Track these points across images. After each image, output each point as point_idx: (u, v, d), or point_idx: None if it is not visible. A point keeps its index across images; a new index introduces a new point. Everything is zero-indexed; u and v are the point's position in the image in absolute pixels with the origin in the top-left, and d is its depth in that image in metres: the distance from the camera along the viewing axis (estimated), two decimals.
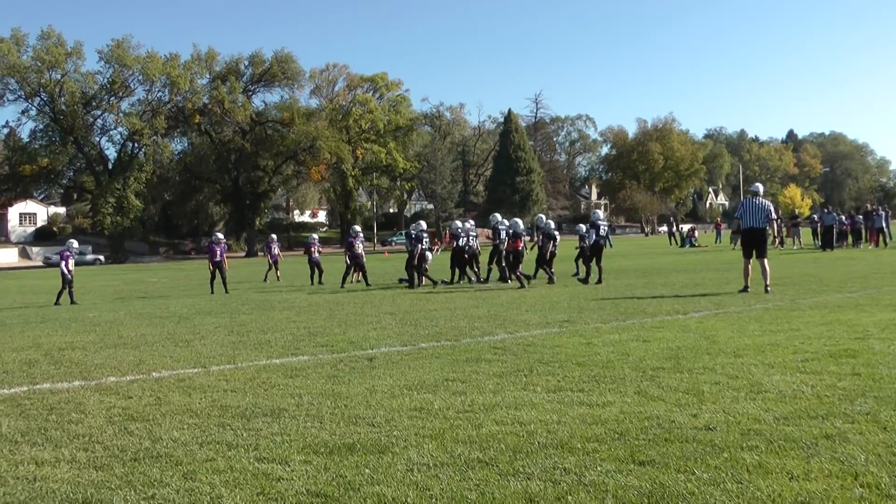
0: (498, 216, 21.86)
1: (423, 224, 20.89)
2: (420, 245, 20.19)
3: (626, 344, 8.95)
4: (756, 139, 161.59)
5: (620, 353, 8.31)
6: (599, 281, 18.64)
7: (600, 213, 20.06)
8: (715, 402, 5.94)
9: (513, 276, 19.34)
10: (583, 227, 23.74)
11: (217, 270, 22.02)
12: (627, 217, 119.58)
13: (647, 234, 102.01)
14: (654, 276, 21.26)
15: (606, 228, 19.54)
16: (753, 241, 14.77)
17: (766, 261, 14.79)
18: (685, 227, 58.26)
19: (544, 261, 19.65)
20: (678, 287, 16.86)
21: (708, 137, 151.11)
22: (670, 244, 48.02)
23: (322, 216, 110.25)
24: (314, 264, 25.21)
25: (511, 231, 19.78)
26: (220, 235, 23.07)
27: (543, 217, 23.46)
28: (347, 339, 10.48)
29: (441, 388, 6.93)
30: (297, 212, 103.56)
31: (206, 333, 11.83)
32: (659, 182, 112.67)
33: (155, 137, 72.35)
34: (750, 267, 14.75)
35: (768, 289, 14.42)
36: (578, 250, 21.51)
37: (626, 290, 16.53)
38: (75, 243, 21.69)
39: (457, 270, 20.96)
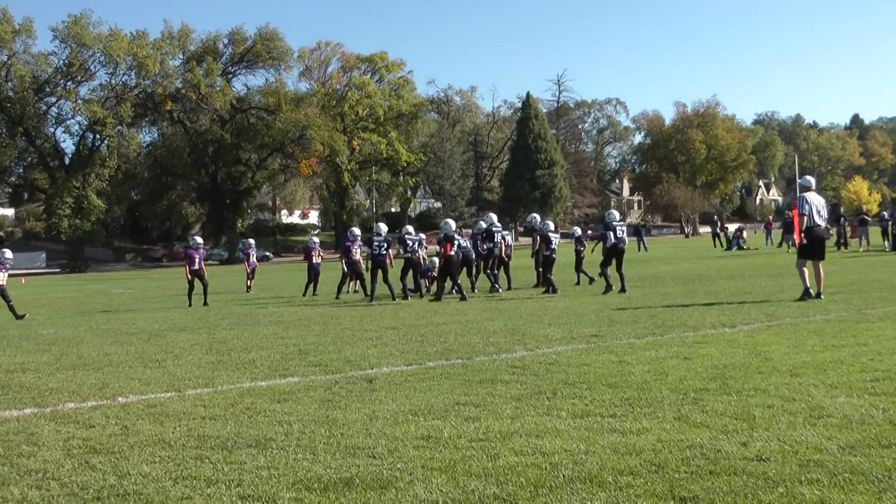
0: (493, 217, 22.50)
1: (452, 224, 20.99)
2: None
3: (665, 362, 8.92)
4: (814, 125, 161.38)
5: (658, 373, 8.28)
6: (623, 289, 18.64)
7: (616, 213, 20.11)
8: (768, 429, 5.92)
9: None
10: (577, 229, 24.28)
11: (196, 280, 22.10)
12: (665, 215, 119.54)
13: (687, 235, 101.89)
14: (695, 283, 21.20)
15: (624, 230, 19.53)
16: (820, 240, 14.79)
17: (822, 266, 14.87)
18: (732, 227, 58.14)
19: (542, 266, 20.48)
20: (724, 296, 16.81)
21: (758, 123, 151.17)
22: (714, 246, 47.93)
23: (314, 217, 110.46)
24: (314, 272, 25.22)
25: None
26: (199, 240, 23.20)
27: (538, 217, 23.62)
28: (344, 357, 10.49)
29: (451, 413, 6.93)
30: (284, 212, 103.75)
31: (180, 352, 11.86)
32: (701, 175, 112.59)
33: (120, 128, 72.54)
34: (806, 270, 14.79)
35: (822, 295, 14.55)
36: (578, 256, 22.78)
37: (664, 300, 16.48)
38: (8, 252, 21.18)
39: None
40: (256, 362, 10.44)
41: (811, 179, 15.59)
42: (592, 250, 25.62)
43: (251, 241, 30.34)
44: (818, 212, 14.81)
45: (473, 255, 20.97)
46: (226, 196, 79.57)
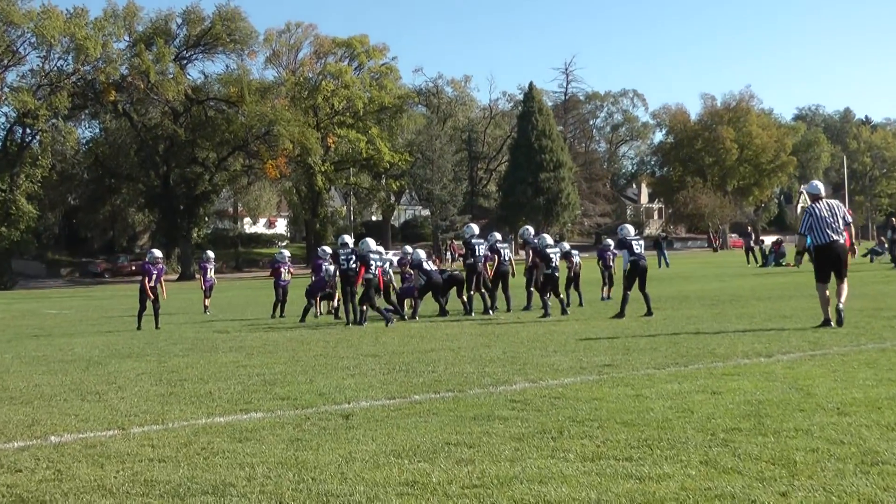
0: (474, 227, 23.43)
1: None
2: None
3: (689, 396, 8.93)
4: (867, 121, 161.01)
5: (681, 409, 8.29)
6: (649, 312, 18.77)
7: (630, 228, 20.22)
8: (812, 477, 5.92)
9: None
10: (566, 245, 24.64)
11: (147, 292, 22.14)
12: (689, 226, 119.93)
13: (716, 249, 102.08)
14: (725, 304, 21.26)
15: (642, 244, 19.72)
16: (832, 259, 14.81)
17: (846, 282, 14.97)
18: (768, 240, 58.32)
19: (537, 285, 21.38)
20: (759, 320, 16.85)
21: (799, 119, 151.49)
22: (748, 262, 48.11)
23: (281, 226, 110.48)
24: (283, 290, 25.72)
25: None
26: (158, 253, 23.25)
27: (531, 229, 24.06)
28: (316, 389, 10.49)
29: (441, 454, 6.92)
30: (247, 220, 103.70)
31: (124, 383, 11.83)
32: (732, 179, 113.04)
33: (54, 121, 72.26)
34: (828, 293, 14.80)
35: (842, 308, 14.64)
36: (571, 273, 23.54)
37: (689, 324, 16.52)
38: None
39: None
40: (214, 395, 10.42)
41: (819, 185, 15.63)
42: (602, 272, 25.75)
43: (210, 253, 30.32)
44: (828, 224, 14.79)
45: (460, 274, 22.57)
46: (179, 201, 79.36)
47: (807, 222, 14.93)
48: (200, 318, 25.35)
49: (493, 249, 22.74)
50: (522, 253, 23.84)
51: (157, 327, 21.68)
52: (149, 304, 22.29)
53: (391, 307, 21.20)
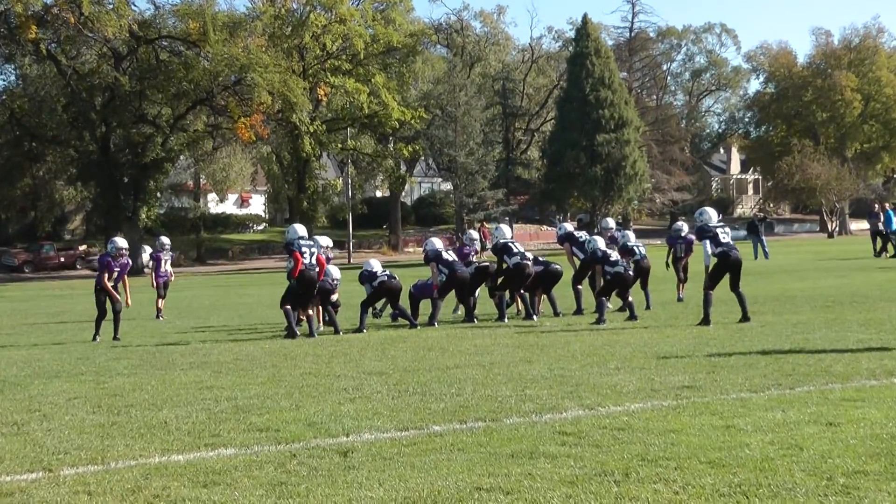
0: (505, 229, 23.82)
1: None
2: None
3: (798, 429, 8.90)
4: None
5: (787, 446, 8.26)
6: (745, 318, 18.77)
7: (712, 212, 20.12)
8: None
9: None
10: (682, 224, 24.78)
11: (108, 301, 22.16)
12: (796, 204, 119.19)
13: (831, 234, 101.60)
14: (845, 307, 21.16)
15: (728, 233, 19.62)
16: None
17: None
18: None
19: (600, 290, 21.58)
20: (891, 328, 16.77)
21: None
22: (876, 252, 47.74)
23: (257, 204, 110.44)
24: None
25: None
26: (122, 243, 23.16)
27: (567, 225, 24.53)
28: (304, 418, 10.51)
29: (469, 503, 6.92)
30: (212, 197, 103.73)
31: (52, 411, 11.86)
32: (853, 141, 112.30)
33: None
34: None
35: None
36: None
37: (795, 334, 16.46)
38: None
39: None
40: (170, 425, 10.45)
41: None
42: (668, 264, 25.66)
43: (165, 240, 30.14)
44: None
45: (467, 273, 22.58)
46: (122, 172, 79.29)
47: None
48: (152, 326, 25.39)
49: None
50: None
51: (115, 338, 21.62)
52: (109, 307, 22.24)
53: (373, 312, 21.51)
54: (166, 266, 28.85)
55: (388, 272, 22.17)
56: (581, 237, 23.73)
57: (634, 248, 23.58)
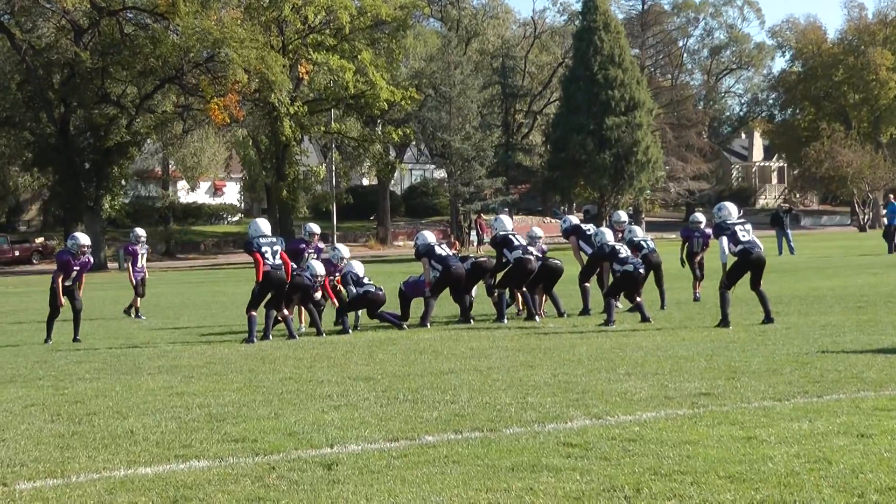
0: (506, 220, 23.97)
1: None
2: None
3: (826, 440, 8.92)
4: None
5: (814, 459, 8.28)
6: (768, 318, 18.83)
7: (731, 207, 20.07)
8: None
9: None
10: (699, 216, 24.76)
11: (67, 299, 22.10)
12: (825, 194, 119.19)
13: (863, 227, 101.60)
14: (878, 308, 21.18)
15: (749, 230, 19.60)
16: None
17: None
18: None
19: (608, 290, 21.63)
20: None
21: None
22: None
23: (232, 192, 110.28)
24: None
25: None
26: (83, 239, 23.05)
27: (572, 218, 24.54)
28: (284, 427, 10.52)
29: None
30: (182, 185, 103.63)
31: (7, 420, 11.86)
32: (888, 125, 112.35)
33: None
34: None
35: None
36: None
37: (825, 336, 16.49)
38: None
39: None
40: (137, 435, 10.44)
41: None
42: (683, 261, 25.69)
43: (140, 232, 29.93)
44: None
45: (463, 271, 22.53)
46: (83, 157, 79.14)
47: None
48: (116, 326, 25.35)
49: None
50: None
51: (75, 339, 21.58)
52: (67, 306, 22.18)
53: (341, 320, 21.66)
54: (143, 260, 28.64)
55: (373, 284, 22.13)
56: (588, 230, 23.77)
57: (642, 242, 23.54)
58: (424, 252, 22.41)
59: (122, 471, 8.90)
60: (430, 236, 23.10)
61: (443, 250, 22.70)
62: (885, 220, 46.82)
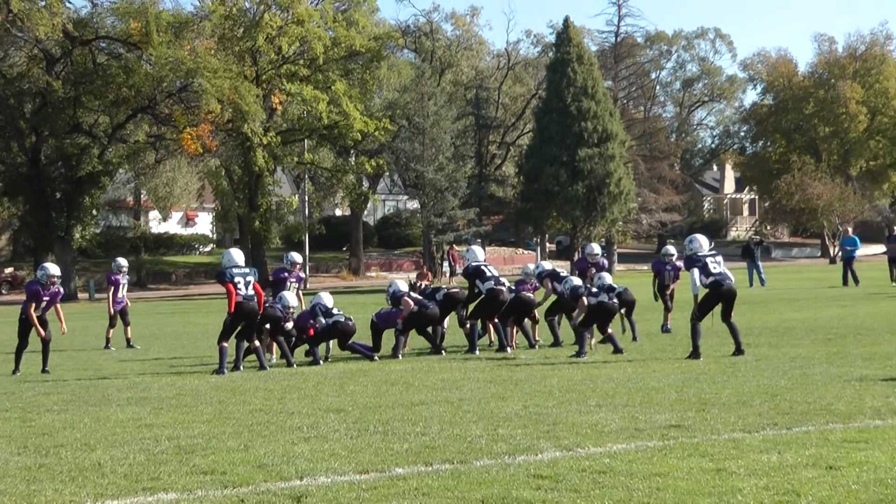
0: (476, 251, 23.98)
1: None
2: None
3: (795, 473, 8.96)
4: None
5: (783, 491, 8.31)
6: (739, 351, 18.96)
7: (703, 240, 20.28)
8: None
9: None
10: (670, 248, 25.02)
11: (37, 329, 22.01)
12: (795, 226, 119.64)
13: (833, 259, 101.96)
14: (847, 340, 21.27)
15: (721, 262, 19.70)
16: None
17: None
18: None
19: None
20: None
21: None
22: (893, 279, 47.95)
23: (204, 223, 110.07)
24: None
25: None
26: (54, 270, 22.99)
27: (545, 265, 24.77)
28: (253, 459, 10.51)
29: None
30: (154, 215, 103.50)
31: None
32: (857, 158, 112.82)
33: None
34: None
35: None
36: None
37: (793, 369, 16.55)
38: None
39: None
40: (105, 468, 10.41)
41: None
42: (655, 294, 25.92)
43: (122, 261, 29.87)
44: None
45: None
46: (54, 186, 78.98)
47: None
48: (85, 357, 25.25)
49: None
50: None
51: (43, 370, 21.52)
52: (35, 337, 22.10)
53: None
54: (124, 291, 28.61)
55: (342, 314, 22.16)
56: (562, 273, 23.96)
57: (613, 285, 23.50)
58: (397, 298, 22.37)
59: (89, 503, 8.86)
60: (402, 284, 23.26)
61: (415, 295, 22.84)
62: (841, 254, 47.05)
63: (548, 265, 24.83)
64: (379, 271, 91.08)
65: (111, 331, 28.01)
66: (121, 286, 28.42)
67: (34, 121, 78.12)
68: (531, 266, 24.61)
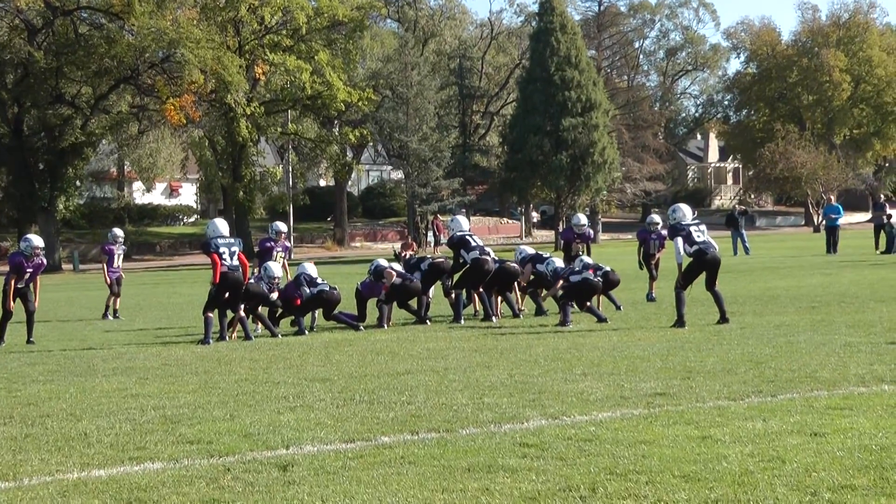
0: (461, 221, 24.06)
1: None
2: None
3: (780, 439, 8.97)
4: None
5: (768, 458, 8.32)
6: (724, 319, 18.96)
7: (686, 209, 20.18)
8: None
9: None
10: (655, 217, 24.83)
11: (20, 301, 21.98)
12: (779, 195, 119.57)
13: (817, 228, 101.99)
14: (832, 308, 21.29)
15: (704, 230, 19.66)
16: None
17: None
18: None
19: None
20: (881, 331, 16.88)
21: None
22: (877, 248, 47.94)
23: (188, 194, 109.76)
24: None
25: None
26: (38, 241, 22.88)
27: (527, 248, 24.65)
28: (239, 429, 10.50)
29: None
30: (138, 186, 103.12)
31: None
32: (842, 127, 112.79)
33: None
34: None
35: None
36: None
37: (778, 337, 16.56)
38: None
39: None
40: (91, 438, 10.39)
41: None
42: (640, 263, 25.90)
43: (119, 232, 29.75)
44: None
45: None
46: (37, 157, 78.70)
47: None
48: (70, 328, 25.19)
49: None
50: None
51: (29, 341, 21.49)
52: (19, 307, 22.05)
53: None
54: (119, 261, 28.52)
55: (327, 283, 22.06)
56: (545, 255, 23.87)
57: (598, 264, 23.37)
58: (379, 274, 22.41)
59: (75, 473, 8.84)
60: (384, 263, 23.17)
61: (398, 268, 22.85)
62: (825, 223, 47.19)
63: (530, 249, 24.67)
64: (363, 241, 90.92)
65: (115, 299, 27.87)
66: (116, 256, 28.32)
67: (16, 91, 77.75)
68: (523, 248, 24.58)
